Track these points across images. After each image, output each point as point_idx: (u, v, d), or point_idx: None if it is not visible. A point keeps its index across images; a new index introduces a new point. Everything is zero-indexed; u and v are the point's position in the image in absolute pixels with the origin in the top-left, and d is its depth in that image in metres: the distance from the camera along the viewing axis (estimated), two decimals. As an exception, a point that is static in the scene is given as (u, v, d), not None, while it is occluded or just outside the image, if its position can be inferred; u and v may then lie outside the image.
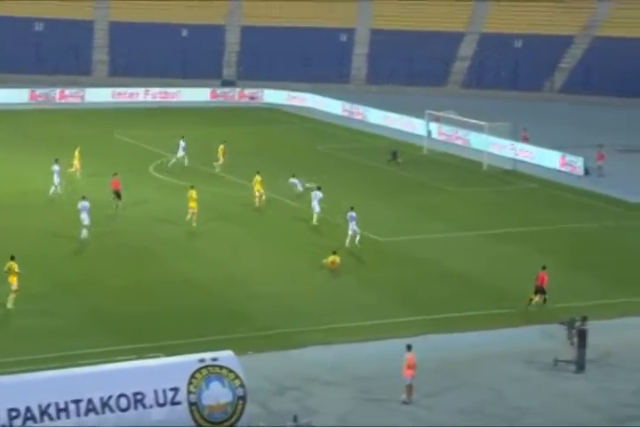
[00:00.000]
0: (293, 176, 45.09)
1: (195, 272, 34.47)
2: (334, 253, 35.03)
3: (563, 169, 51.52)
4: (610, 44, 74.94)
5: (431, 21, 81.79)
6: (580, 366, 26.89)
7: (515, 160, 52.56)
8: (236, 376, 22.36)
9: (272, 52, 79.72)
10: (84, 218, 36.94)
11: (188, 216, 39.49)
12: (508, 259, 36.73)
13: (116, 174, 42.09)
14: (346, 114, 68.61)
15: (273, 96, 74.34)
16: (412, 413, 24.69)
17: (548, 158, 51.92)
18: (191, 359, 22.56)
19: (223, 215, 41.91)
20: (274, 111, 70.65)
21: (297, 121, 66.81)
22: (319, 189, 40.61)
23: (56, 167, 43.35)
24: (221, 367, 22.33)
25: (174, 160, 49.76)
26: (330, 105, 70.60)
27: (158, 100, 73.24)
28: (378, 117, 65.51)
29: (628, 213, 43.52)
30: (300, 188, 44.63)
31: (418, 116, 60.12)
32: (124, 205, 41.22)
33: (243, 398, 22.39)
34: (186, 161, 49.54)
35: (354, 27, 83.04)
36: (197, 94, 74.29)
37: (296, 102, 73.16)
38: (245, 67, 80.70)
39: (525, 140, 55.04)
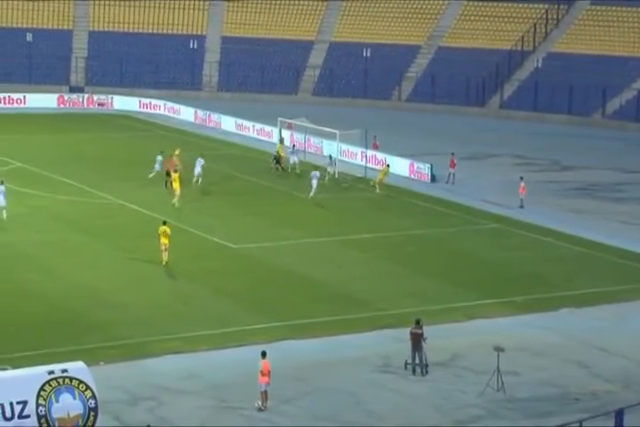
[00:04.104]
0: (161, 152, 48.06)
1: (37, 283, 33.55)
2: (164, 223, 35.70)
3: (412, 176, 52.56)
4: (453, 54, 77.05)
5: (282, 30, 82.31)
6: (421, 369, 27.28)
7: (365, 167, 53.33)
8: (87, 387, 21.86)
9: (121, 59, 78.63)
10: (1, 200, 40.75)
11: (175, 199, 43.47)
12: (358, 265, 37.17)
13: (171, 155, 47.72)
14: (199, 121, 68.28)
15: (124, 103, 73.29)
16: (267, 420, 24.67)
17: (397, 166, 52.85)
18: (40, 371, 21.92)
19: (69, 223, 41.04)
20: (125, 118, 69.68)
21: (149, 128, 66.08)
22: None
23: (2, 188, 41.24)
24: (72, 379, 21.78)
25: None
26: (183, 112, 70.13)
27: (3, 105, 71.21)
28: (231, 125, 65.42)
29: (474, 219, 44.71)
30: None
31: (271, 124, 60.36)
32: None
33: (94, 409, 21.90)
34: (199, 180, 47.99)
35: (204, 34, 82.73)
36: (44, 100, 72.60)
37: (148, 109, 72.36)
38: (94, 73, 79.31)
39: (376, 147, 55.91)
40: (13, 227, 40.34)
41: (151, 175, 48.10)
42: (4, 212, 40.89)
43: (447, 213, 45.47)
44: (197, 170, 48.18)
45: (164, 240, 35.40)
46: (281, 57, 79.69)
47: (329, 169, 50.74)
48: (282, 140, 56.14)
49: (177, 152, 49.59)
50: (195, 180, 47.66)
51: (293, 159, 52.86)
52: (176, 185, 44.06)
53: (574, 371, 28.12)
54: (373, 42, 79.76)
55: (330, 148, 54.99)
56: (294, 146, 54.71)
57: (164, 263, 35.54)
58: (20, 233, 39.58)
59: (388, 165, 50.73)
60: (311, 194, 46.49)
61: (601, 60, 73.32)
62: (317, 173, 47.28)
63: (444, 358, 28.36)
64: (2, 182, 41.82)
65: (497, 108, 75.24)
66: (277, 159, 52.79)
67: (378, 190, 48.57)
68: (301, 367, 27.59)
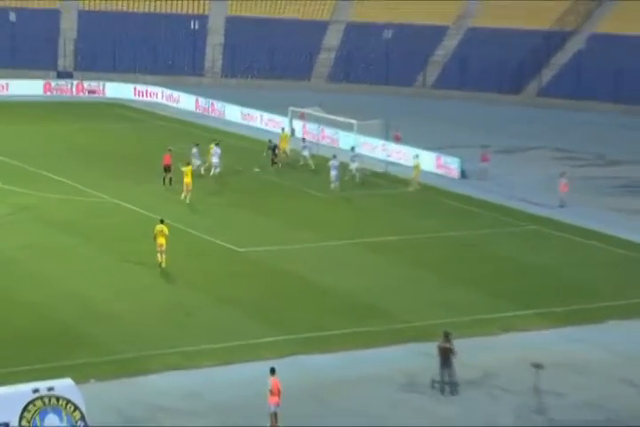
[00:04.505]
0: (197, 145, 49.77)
1: (22, 291, 33.60)
2: (161, 221, 36.04)
3: (438, 171, 52.43)
4: (485, 36, 76.88)
5: (292, 8, 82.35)
6: (450, 388, 27.13)
7: (387, 162, 53.23)
8: (76, 408, 21.83)
9: (115, 41, 78.78)
10: None
11: (183, 194, 44.14)
12: (378, 271, 37.09)
13: (170, 150, 47.86)
14: (201, 110, 68.42)
15: (117, 90, 73.50)
16: (277, 444, 24.60)
17: (423, 160, 52.63)
18: (23, 390, 21.89)
19: (57, 224, 41.10)
20: (119, 107, 69.86)
21: (146, 118, 66.24)
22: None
23: None
24: (59, 398, 21.76)
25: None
26: (183, 100, 70.29)
27: (-17, 93, 71.71)
28: (236, 114, 65.51)
29: (509, 220, 44.56)
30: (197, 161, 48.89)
31: (281, 114, 60.35)
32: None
33: (84, 432, 21.86)
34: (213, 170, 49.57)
35: (207, 13, 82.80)
36: (29, 87, 72.89)
37: (144, 97, 72.53)
38: (84, 56, 79.53)
39: (398, 139, 55.81)
40: (-6, 228, 40.45)
41: (203, 171, 49.11)
42: None
43: (479, 213, 45.34)
44: (214, 160, 49.28)
45: (160, 241, 35.57)
46: (292, 39, 79.67)
47: (351, 166, 50.19)
48: (293, 132, 56.12)
49: (212, 146, 50.40)
50: (212, 171, 48.97)
51: (305, 154, 52.78)
52: (188, 180, 44.46)
53: (622, 390, 27.96)
54: (395, 22, 79.71)
55: (348, 140, 54.87)
56: (304, 139, 54.49)
57: (161, 266, 35.63)
58: (3, 236, 39.64)
59: (417, 156, 50.12)
60: (332, 186, 47.31)
61: (651, 41, 73.08)
62: (336, 162, 47.92)
63: (475, 375, 28.23)
64: None
65: (534, 95, 75.11)
66: (274, 149, 52.30)
67: (411, 189, 48.18)
68: (315, 386, 27.50)
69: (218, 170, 49.17)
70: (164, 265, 35.66)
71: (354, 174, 49.89)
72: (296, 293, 34.58)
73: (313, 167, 52.08)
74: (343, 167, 49.50)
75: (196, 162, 48.94)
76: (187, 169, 45.01)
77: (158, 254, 35.64)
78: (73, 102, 71.26)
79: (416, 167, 49.06)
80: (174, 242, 36.49)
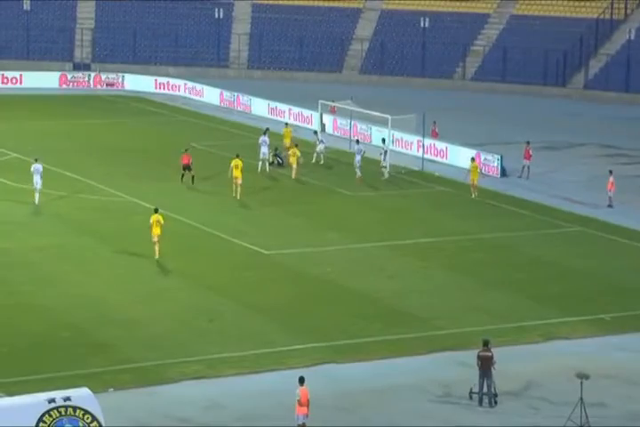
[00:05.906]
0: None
1: (36, 295, 33.98)
2: (156, 211, 37.11)
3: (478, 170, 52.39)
4: (528, 24, 76.69)
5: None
6: (489, 399, 27.23)
7: (423, 159, 53.32)
8: (94, 419, 22.06)
9: (134, 30, 79.22)
10: (37, 181, 42.69)
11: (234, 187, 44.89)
12: (411, 275, 37.20)
13: (187, 150, 48.07)
14: (225, 104, 68.72)
15: (136, 82, 73.96)
16: (304, 458, 24.78)
17: (461, 157, 52.77)
18: (38, 400, 22.13)
19: (73, 224, 41.45)
20: (138, 101, 70.28)
21: (166, 113, 66.60)
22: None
23: (38, 167, 43.53)
24: (76, 408, 21.99)
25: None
26: (207, 94, 70.62)
27: (-4, 85, 72.33)
28: (263, 108, 65.76)
29: (551, 220, 44.54)
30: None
31: (310, 108, 60.55)
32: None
33: (102, 444, 22.10)
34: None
35: (231, 1, 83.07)
36: (44, 79, 73.50)
37: (165, 90, 72.95)
38: (102, 47, 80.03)
39: (435, 135, 55.87)
40: (9, 229, 40.83)
41: (265, 166, 49.95)
42: (38, 195, 42.71)
43: (520, 214, 45.35)
44: (264, 150, 49.86)
45: (156, 231, 36.50)
46: (322, 28, 79.87)
47: (383, 163, 50.17)
48: (323, 127, 56.14)
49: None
50: (262, 164, 49.82)
51: (320, 148, 52.63)
52: (237, 173, 44.87)
53: (673, 403, 27.94)
54: (432, 9, 79.70)
55: (381, 136, 54.95)
56: (316, 132, 54.52)
57: (156, 257, 36.55)
58: (17, 236, 40.05)
59: (473, 159, 48.79)
60: (358, 173, 48.53)
61: None
62: (362, 147, 49.25)
63: (516, 386, 28.30)
64: (36, 160, 43.77)
65: (581, 88, 74.91)
66: (276, 149, 52.03)
67: (474, 195, 47.67)
68: (345, 396, 27.65)
69: (267, 163, 50.21)
70: (157, 257, 36.58)
71: (382, 171, 50.04)
72: (325, 298, 34.75)
73: (322, 162, 52.21)
74: (375, 163, 49.64)
75: (265, 151, 49.60)
76: (235, 162, 45.18)
77: (155, 246, 36.53)
78: (90, 95, 71.72)
79: (474, 171, 47.81)
80: (198, 244, 36.67)
